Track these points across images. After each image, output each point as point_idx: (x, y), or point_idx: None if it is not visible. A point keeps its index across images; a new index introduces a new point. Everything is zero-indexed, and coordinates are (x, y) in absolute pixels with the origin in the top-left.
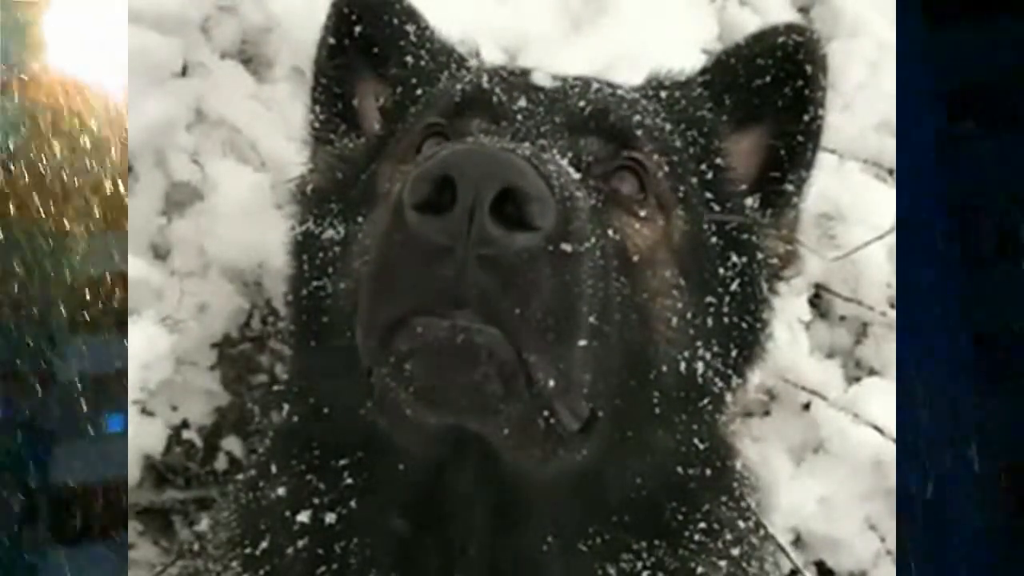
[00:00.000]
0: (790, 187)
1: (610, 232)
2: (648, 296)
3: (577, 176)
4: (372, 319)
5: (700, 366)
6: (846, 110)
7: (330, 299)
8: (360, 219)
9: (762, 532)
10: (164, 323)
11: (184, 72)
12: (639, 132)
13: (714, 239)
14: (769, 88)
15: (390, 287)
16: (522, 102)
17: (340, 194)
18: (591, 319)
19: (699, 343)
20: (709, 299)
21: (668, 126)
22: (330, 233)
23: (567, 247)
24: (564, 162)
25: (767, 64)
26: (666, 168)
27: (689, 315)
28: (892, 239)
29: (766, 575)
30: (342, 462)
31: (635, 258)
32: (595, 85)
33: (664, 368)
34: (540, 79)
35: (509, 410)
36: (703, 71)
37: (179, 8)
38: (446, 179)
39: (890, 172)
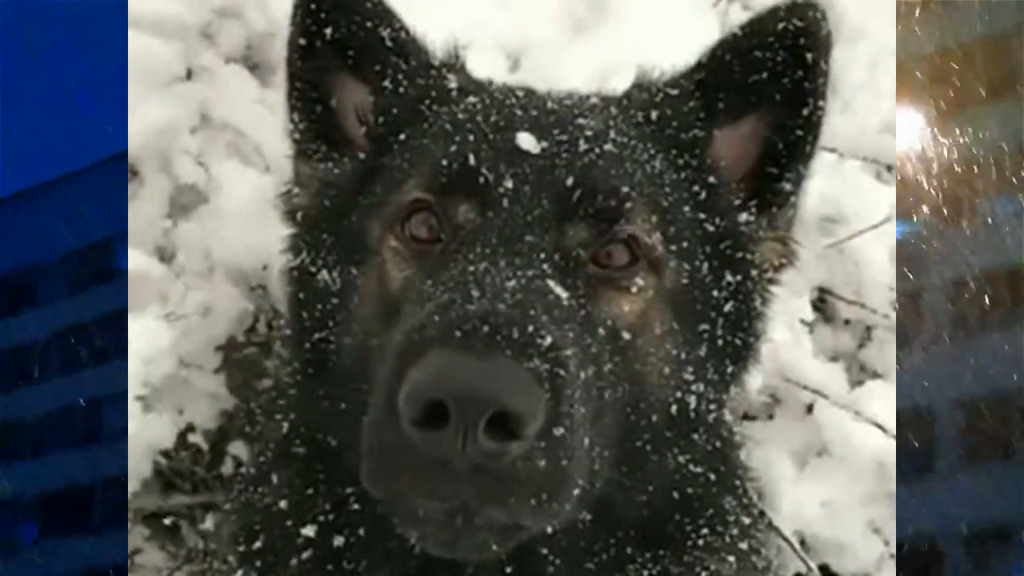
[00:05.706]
0: (787, 186)
1: (600, 331)
2: (640, 363)
3: (565, 277)
4: (375, 479)
5: (692, 400)
6: (846, 111)
7: (334, 355)
8: (354, 270)
9: (766, 520)
10: (167, 318)
11: (189, 76)
12: (629, 205)
13: (706, 266)
14: (767, 81)
15: (390, 466)
16: (508, 183)
17: (330, 224)
18: (583, 444)
19: (690, 378)
20: (703, 327)
21: (658, 164)
22: (324, 276)
23: (558, 430)
24: (552, 285)
25: (764, 57)
26: (659, 227)
27: (683, 356)
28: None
29: (768, 562)
30: (349, 490)
31: (626, 335)
32: (582, 145)
33: (654, 417)
34: (525, 143)
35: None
36: (697, 66)
37: (183, 13)
38: (439, 403)
39: (888, 169)
